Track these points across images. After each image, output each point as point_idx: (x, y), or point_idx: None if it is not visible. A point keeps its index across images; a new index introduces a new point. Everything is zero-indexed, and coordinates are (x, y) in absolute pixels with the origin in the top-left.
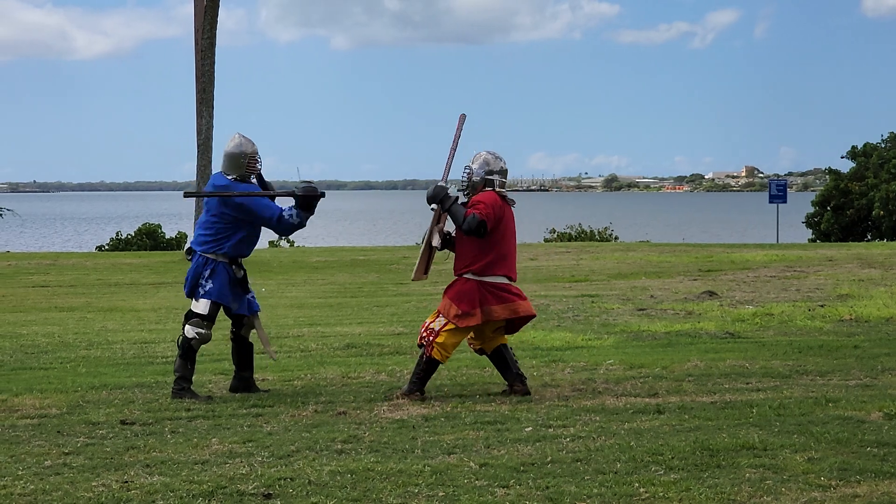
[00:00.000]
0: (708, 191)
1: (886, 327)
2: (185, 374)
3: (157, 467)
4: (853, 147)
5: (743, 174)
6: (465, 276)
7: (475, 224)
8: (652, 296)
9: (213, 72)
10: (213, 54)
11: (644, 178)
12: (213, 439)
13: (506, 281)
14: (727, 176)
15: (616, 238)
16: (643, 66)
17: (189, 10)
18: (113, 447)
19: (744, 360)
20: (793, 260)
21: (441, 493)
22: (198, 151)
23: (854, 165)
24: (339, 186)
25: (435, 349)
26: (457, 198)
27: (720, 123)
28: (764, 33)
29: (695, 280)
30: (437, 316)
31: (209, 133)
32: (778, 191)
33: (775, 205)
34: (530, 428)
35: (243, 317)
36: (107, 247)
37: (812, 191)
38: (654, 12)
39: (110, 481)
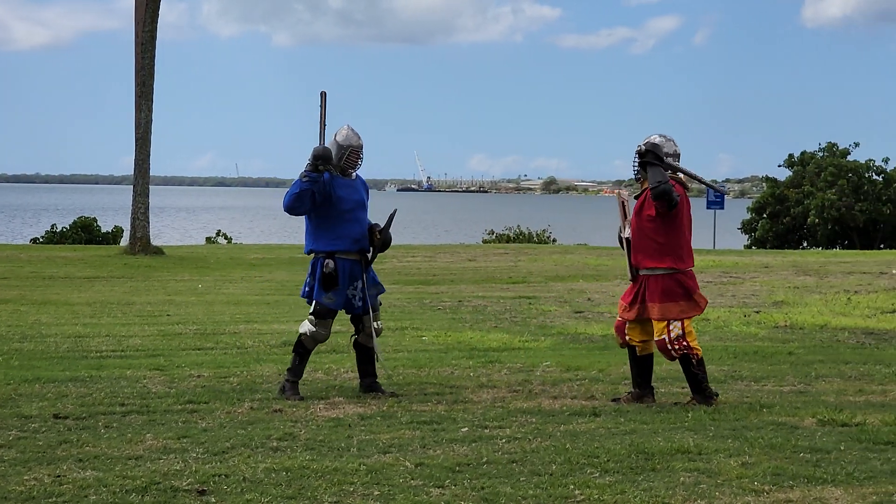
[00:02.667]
0: None
1: (820, 334)
2: (293, 369)
3: (89, 462)
4: (790, 155)
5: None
6: (660, 272)
7: (669, 191)
8: (589, 299)
9: (154, 65)
10: (154, 48)
11: (583, 181)
12: (148, 435)
13: (692, 270)
14: None
15: (554, 240)
16: (584, 71)
17: (130, 2)
18: (45, 441)
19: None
20: (729, 266)
21: (376, 492)
22: (136, 145)
23: (791, 174)
24: (278, 184)
25: (696, 350)
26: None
27: (659, 128)
28: (704, 41)
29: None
30: (668, 325)
31: (148, 127)
32: (715, 197)
33: (712, 210)
34: (466, 428)
35: (359, 323)
36: (41, 239)
37: (749, 198)
38: (595, 17)
39: (42, 475)
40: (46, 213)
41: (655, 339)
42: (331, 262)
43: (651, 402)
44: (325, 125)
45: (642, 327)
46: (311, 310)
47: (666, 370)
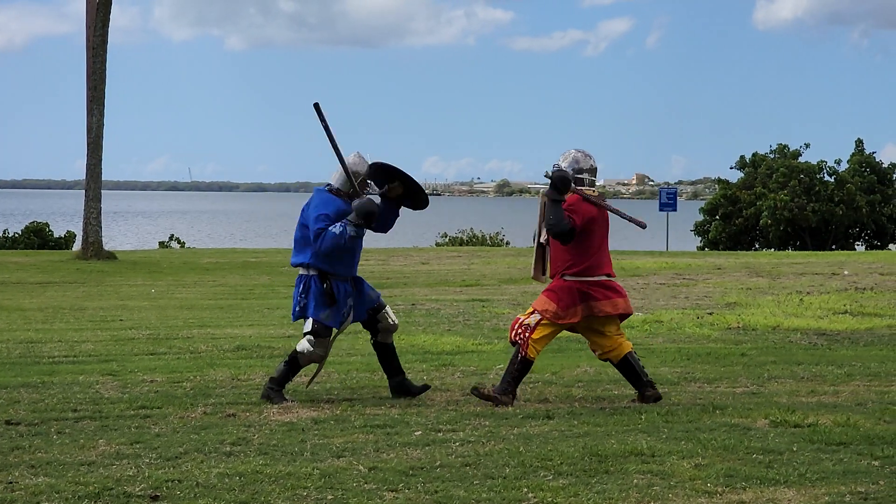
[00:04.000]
0: None
1: (773, 335)
2: (279, 379)
3: (42, 468)
4: (742, 157)
5: (633, 182)
6: (564, 277)
7: (566, 230)
8: None
9: (105, 69)
10: (105, 52)
11: (536, 183)
12: (100, 440)
13: (606, 277)
14: (618, 183)
15: (507, 243)
16: (537, 73)
17: (81, 7)
18: None
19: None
20: (682, 268)
21: (330, 497)
22: (88, 150)
23: (742, 175)
24: (231, 188)
25: (530, 347)
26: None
27: (611, 131)
28: (656, 43)
29: None
30: (532, 312)
31: (100, 131)
32: (668, 199)
33: (665, 213)
34: (420, 432)
35: (375, 323)
36: None
37: (701, 199)
38: (548, 20)
39: None
40: None
41: (518, 315)
42: (329, 281)
43: (653, 394)
44: (333, 138)
45: (592, 338)
46: (309, 328)
47: (617, 372)
